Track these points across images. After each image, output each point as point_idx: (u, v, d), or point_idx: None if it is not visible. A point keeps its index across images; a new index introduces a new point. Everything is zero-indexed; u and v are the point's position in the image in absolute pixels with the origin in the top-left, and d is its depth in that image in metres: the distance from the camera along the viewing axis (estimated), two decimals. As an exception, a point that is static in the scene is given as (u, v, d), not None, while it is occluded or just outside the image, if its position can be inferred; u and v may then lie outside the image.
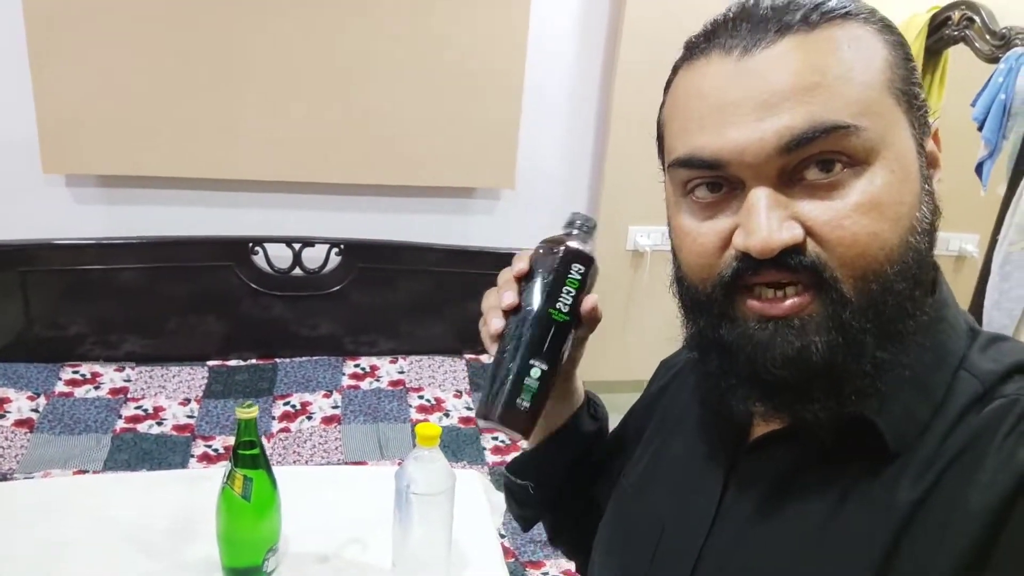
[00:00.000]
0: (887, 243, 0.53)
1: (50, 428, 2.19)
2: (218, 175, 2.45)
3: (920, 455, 0.54)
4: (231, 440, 2.14)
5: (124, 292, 2.44)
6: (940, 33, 2.21)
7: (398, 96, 2.45)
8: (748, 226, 0.54)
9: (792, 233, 0.53)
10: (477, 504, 1.43)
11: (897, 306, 0.54)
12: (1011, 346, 0.59)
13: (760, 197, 0.54)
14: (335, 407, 2.39)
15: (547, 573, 1.90)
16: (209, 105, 2.36)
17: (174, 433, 2.25)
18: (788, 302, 0.54)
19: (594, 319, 0.72)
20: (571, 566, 1.90)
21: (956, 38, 2.16)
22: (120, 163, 2.37)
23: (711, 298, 0.58)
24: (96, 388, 2.36)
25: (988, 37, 2.03)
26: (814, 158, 0.53)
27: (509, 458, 2.27)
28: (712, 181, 0.57)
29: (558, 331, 0.68)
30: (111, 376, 2.41)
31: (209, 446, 2.23)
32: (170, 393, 2.39)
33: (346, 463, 2.16)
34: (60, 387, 2.33)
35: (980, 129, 1.96)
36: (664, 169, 0.63)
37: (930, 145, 0.59)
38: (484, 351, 2.66)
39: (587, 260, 0.70)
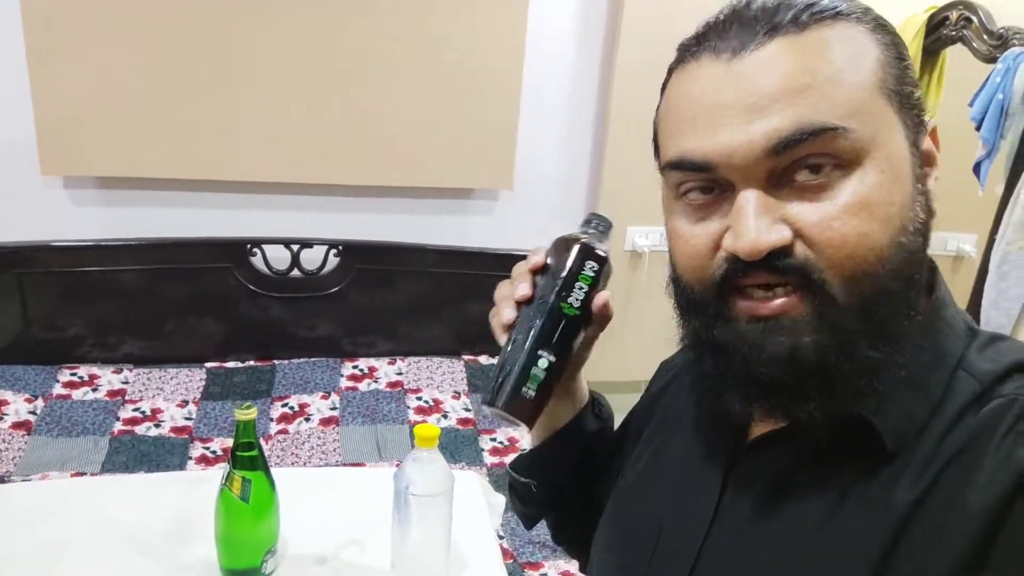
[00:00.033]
0: (877, 243, 0.53)
1: (48, 430, 2.18)
2: (216, 176, 2.45)
3: (918, 455, 0.54)
4: (229, 442, 2.14)
5: (122, 294, 2.44)
6: (938, 33, 2.21)
7: (396, 97, 2.45)
8: (736, 229, 0.54)
9: (779, 235, 0.53)
10: (476, 505, 1.43)
11: (890, 306, 0.54)
12: (1009, 345, 0.58)
13: (749, 200, 0.54)
14: (333, 408, 2.39)
15: (545, 574, 1.90)
16: (207, 106, 2.36)
17: (172, 435, 2.25)
18: (776, 302, 0.55)
19: (605, 316, 0.72)
20: (570, 567, 1.91)
21: (954, 38, 2.16)
22: (118, 164, 2.37)
23: (704, 299, 0.59)
24: (94, 390, 2.35)
25: (986, 37, 2.03)
26: (803, 160, 0.54)
27: (508, 459, 2.27)
28: (703, 183, 0.58)
29: (568, 324, 0.69)
30: (109, 378, 2.40)
31: (207, 448, 2.23)
32: (168, 395, 2.38)
33: (344, 464, 2.16)
34: (58, 389, 2.32)
35: (978, 129, 1.96)
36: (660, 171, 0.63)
37: (927, 144, 0.59)
38: (482, 352, 2.68)
39: (601, 259, 0.71)
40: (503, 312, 0.72)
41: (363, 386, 2.49)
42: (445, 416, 2.42)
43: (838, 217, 0.53)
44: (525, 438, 2.36)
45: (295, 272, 2.55)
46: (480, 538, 1.35)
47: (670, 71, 0.62)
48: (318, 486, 1.47)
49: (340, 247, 2.55)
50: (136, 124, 2.33)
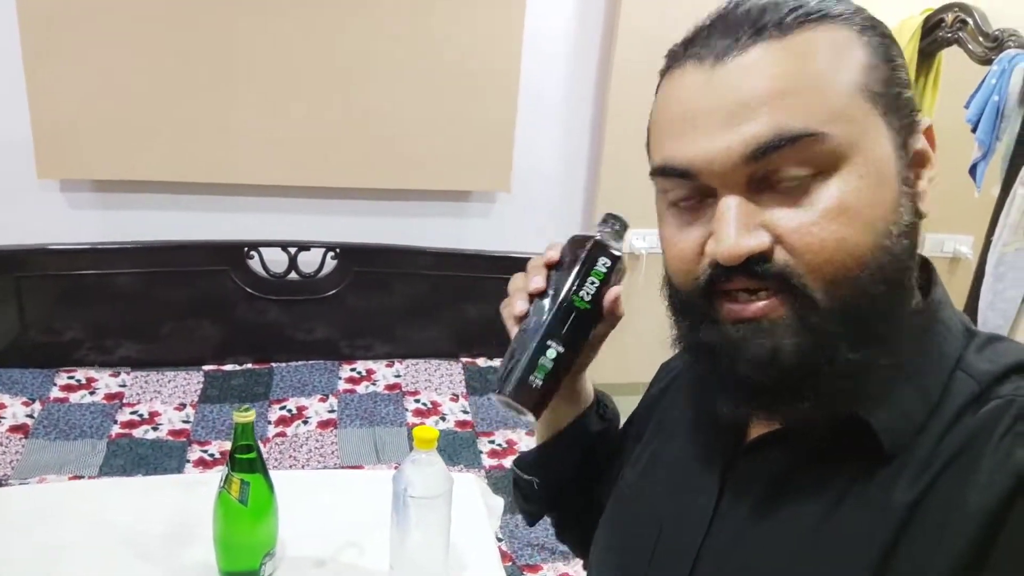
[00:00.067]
0: (856, 248, 0.53)
1: (45, 434, 2.18)
2: (213, 179, 2.45)
3: (917, 456, 0.54)
4: (227, 445, 2.14)
5: (119, 297, 2.43)
6: (933, 35, 2.22)
7: (393, 100, 2.46)
8: (716, 235, 0.55)
9: (758, 242, 0.54)
10: (474, 508, 1.43)
11: (872, 309, 0.54)
12: (1007, 346, 0.59)
13: (728, 206, 0.55)
14: (331, 411, 2.39)
15: (544, 576, 1.90)
16: (203, 109, 2.36)
17: (170, 438, 2.24)
18: (757, 305, 0.55)
19: (616, 313, 0.73)
20: (568, 569, 1.90)
21: (949, 40, 2.17)
22: (115, 167, 2.37)
23: (692, 301, 0.60)
24: (91, 393, 2.35)
25: (981, 39, 2.04)
26: (783, 165, 0.54)
27: (506, 462, 2.28)
28: (687, 189, 0.58)
29: (578, 318, 0.70)
30: (106, 381, 2.40)
31: (205, 451, 2.22)
32: (166, 398, 2.38)
33: (342, 467, 2.16)
34: (55, 392, 2.32)
35: (974, 131, 1.97)
36: None
37: (921, 143, 0.58)
38: (480, 355, 2.68)
39: (614, 256, 0.72)
40: (515, 304, 0.73)
41: (361, 389, 2.49)
42: (443, 418, 2.42)
43: (816, 223, 0.53)
44: (524, 440, 2.36)
45: (292, 275, 2.55)
46: (479, 540, 1.35)
47: (660, 76, 0.62)
48: (316, 488, 1.47)
49: (337, 250, 2.55)
50: (133, 127, 2.33)
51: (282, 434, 2.29)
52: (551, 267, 0.74)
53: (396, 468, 1.16)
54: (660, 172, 0.59)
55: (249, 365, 2.56)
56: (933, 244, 2.80)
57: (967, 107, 2.00)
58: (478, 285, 2.63)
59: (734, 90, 0.54)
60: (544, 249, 0.76)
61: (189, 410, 2.36)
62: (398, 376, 2.56)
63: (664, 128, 0.59)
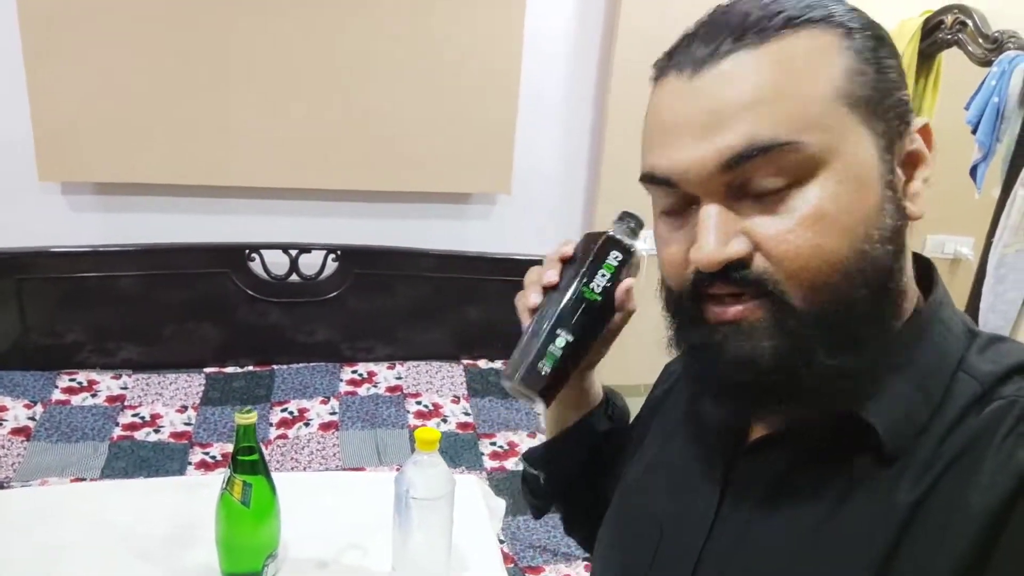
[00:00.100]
0: (833, 255, 0.53)
1: (47, 436, 2.18)
2: (214, 181, 2.45)
3: (918, 457, 0.54)
4: (229, 447, 2.13)
5: (121, 299, 2.44)
6: (933, 37, 2.22)
7: (393, 101, 2.46)
8: (697, 242, 0.56)
9: (736, 249, 0.55)
10: (476, 509, 1.43)
11: (851, 314, 0.54)
12: (1010, 347, 0.58)
13: (709, 214, 0.56)
14: (333, 413, 2.39)
15: (546, 578, 1.90)
16: (204, 112, 2.36)
17: (171, 440, 2.25)
18: (737, 307, 0.56)
19: (627, 306, 0.75)
20: (570, 571, 1.90)
21: (949, 42, 2.17)
22: (116, 170, 2.37)
23: (682, 303, 0.61)
24: (93, 396, 2.35)
25: (981, 41, 2.04)
26: (757, 175, 0.54)
27: (508, 464, 2.28)
28: (672, 196, 0.60)
29: (588, 309, 0.72)
30: (108, 384, 2.40)
31: (207, 453, 2.22)
32: (167, 400, 2.38)
33: (344, 469, 2.16)
34: (57, 395, 2.32)
35: (974, 132, 1.97)
36: None
37: (915, 143, 0.58)
38: (481, 356, 2.68)
39: (627, 251, 0.74)
40: (529, 296, 0.75)
41: (362, 391, 2.49)
42: (445, 420, 2.42)
43: (793, 230, 0.54)
44: (525, 442, 2.36)
45: (293, 277, 2.55)
46: (481, 542, 1.35)
47: (652, 85, 0.63)
48: (318, 490, 1.48)
49: (338, 252, 2.55)
50: (134, 129, 2.33)
51: (283, 436, 2.29)
52: (566, 262, 0.75)
53: (398, 470, 1.16)
54: (646, 180, 0.60)
55: (250, 367, 2.56)
56: (934, 246, 2.80)
57: (967, 108, 2.00)
58: (479, 287, 2.63)
59: (709, 100, 0.55)
60: (558, 246, 0.77)
61: (191, 412, 2.36)
62: (399, 378, 2.56)
63: (649, 137, 0.60)
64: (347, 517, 1.36)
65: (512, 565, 1.90)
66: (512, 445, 2.36)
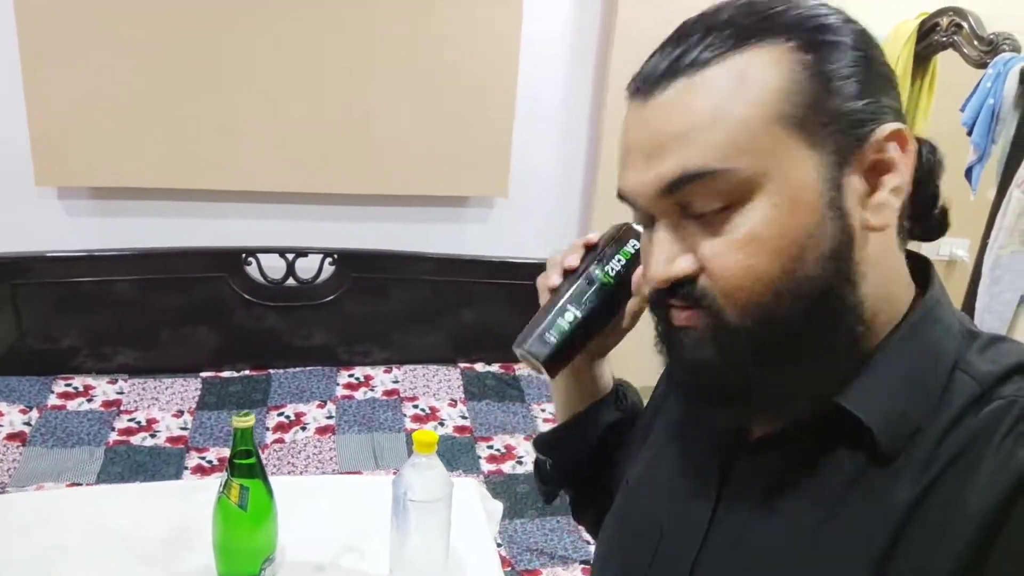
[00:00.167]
0: (764, 275, 0.55)
1: (43, 441, 2.17)
2: (210, 186, 2.45)
3: (917, 457, 0.54)
4: (225, 452, 2.13)
5: (117, 304, 2.43)
6: (929, 39, 2.23)
7: (390, 105, 2.46)
8: (650, 260, 0.60)
9: (682, 267, 0.58)
10: (473, 512, 1.43)
11: (785, 331, 0.56)
12: (1010, 347, 0.58)
13: (659, 234, 0.59)
14: (329, 417, 2.38)
15: (544, 581, 1.89)
16: (200, 116, 2.36)
17: (168, 445, 2.24)
18: (684, 314, 0.60)
19: (643, 292, 0.75)
20: (567, 574, 1.90)
21: (944, 44, 2.17)
22: (113, 175, 2.37)
23: (654, 308, 0.64)
24: (89, 401, 2.35)
25: (976, 43, 2.05)
26: (694, 199, 0.56)
27: (505, 467, 2.28)
28: (638, 212, 0.63)
29: (600, 289, 0.75)
30: (104, 388, 2.40)
31: (203, 458, 2.22)
32: (163, 405, 2.38)
33: (341, 473, 2.16)
34: (53, 400, 2.32)
35: (969, 134, 1.97)
36: None
37: (883, 151, 0.56)
38: (479, 360, 2.68)
39: None
40: (550, 276, 0.79)
41: (359, 395, 2.49)
42: (442, 424, 2.41)
43: (727, 252, 0.56)
44: (523, 445, 2.36)
45: (290, 281, 2.55)
46: (478, 545, 1.35)
47: None
48: (315, 494, 1.47)
49: (335, 256, 2.55)
50: (130, 134, 2.33)
51: (280, 440, 2.29)
52: (589, 248, 0.79)
53: (395, 474, 1.16)
54: (618, 197, 0.63)
55: (247, 372, 2.56)
56: (929, 248, 2.77)
57: (963, 110, 2.00)
58: (476, 290, 2.63)
59: (652, 128, 0.57)
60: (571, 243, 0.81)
61: (187, 417, 2.35)
62: (396, 382, 2.56)
63: (619, 157, 0.63)
64: (344, 520, 1.35)
65: (509, 568, 1.90)
66: (509, 448, 2.36)
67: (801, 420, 0.60)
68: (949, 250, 2.84)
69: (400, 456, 2.23)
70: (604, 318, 0.76)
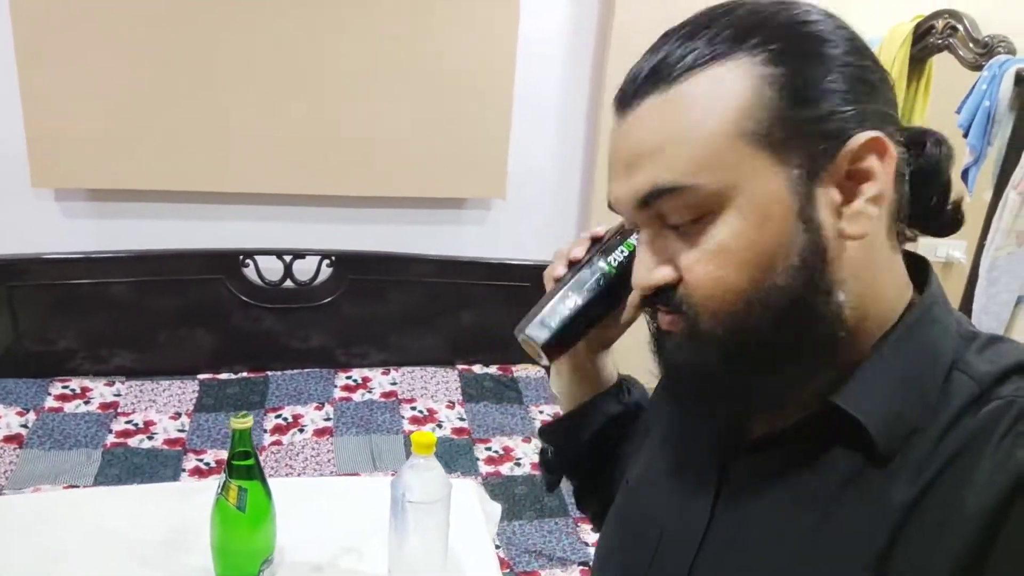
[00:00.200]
0: (734, 286, 0.56)
1: (40, 443, 2.17)
2: (208, 187, 2.45)
3: (915, 457, 0.55)
4: (223, 454, 2.13)
5: (114, 306, 2.43)
6: (924, 42, 2.23)
7: (388, 107, 2.46)
8: (634, 267, 0.62)
9: (662, 275, 0.60)
10: (472, 514, 1.43)
11: (755, 339, 0.57)
12: (1008, 347, 0.58)
13: (642, 242, 0.62)
14: (327, 419, 2.38)
15: (542, 583, 1.89)
16: (197, 118, 2.36)
17: (165, 447, 2.24)
18: (666, 318, 0.62)
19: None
20: None
21: (940, 46, 2.18)
22: (109, 176, 2.37)
23: (646, 308, 0.66)
24: (86, 403, 2.34)
25: (971, 45, 2.05)
26: (668, 212, 0.58)
27: (503, 468, 2.28)
28: (626, 220, 0.65)
29: (602, 278, 0.76)
30: (101, 391, 2.39)
31: (201, 460, 2.22)
32: (161, 407, 2.37)
33: (339, 475, 2.16)
34: (49, 402, 2.31)
35: (965, 136, 1.98)
36: None
37: (860, 160, 0.56)
38: (476, 362, 2.68)
39: None
40: (556, 267, 0.81)
41: (357, 396, 2.49)
42: (440, 426, 2.41)
43: (698, 264, 0.58)
44: (520, 447, 2.36)
45: (288, 283, 2.55)
46: (477, 546, 1.34)
47: None
48: (313, 495, 1.47)
49: (333, 258, 2.55)
50: (127, 136, 2.33)
51: (278, 443, 2.29)
52: (596, 241, 0.81)
53: (393, 475, 1.16)
54: (608, 206, 0.65)
55: (244, 374, 2.56)
56: (926, 250, 2.78)
57: (958, 112, 2.01)
58: (474, 292, 2.63)
59: (627, 142, 0.59)
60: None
61: (184, 419, 2.35)
62: (394, 384, 2.56)
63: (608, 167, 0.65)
64: (343, 522, 1.35)
65: (508, 570, 1.90)
66: (507, 450, 2.36)
67: (799, 420, 0.60)
68: (946, 252, 2.85)
69: (398, 458, 2.23)
70: (605, 307, 0.78)
